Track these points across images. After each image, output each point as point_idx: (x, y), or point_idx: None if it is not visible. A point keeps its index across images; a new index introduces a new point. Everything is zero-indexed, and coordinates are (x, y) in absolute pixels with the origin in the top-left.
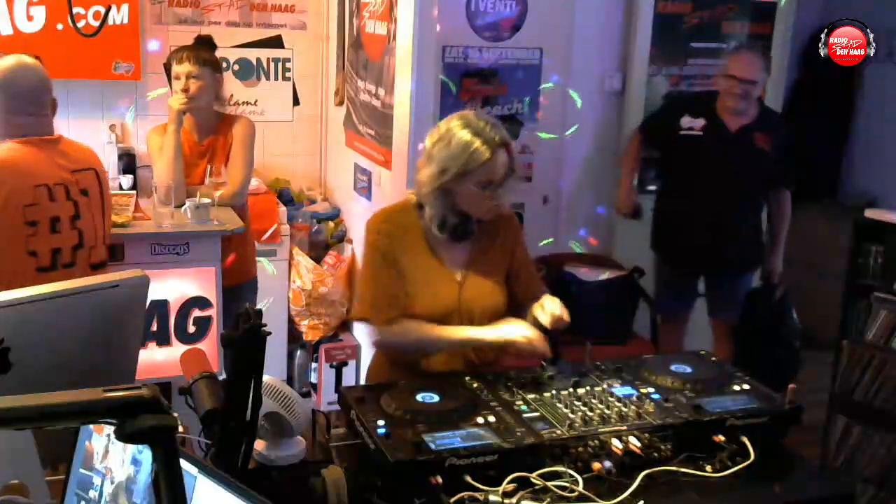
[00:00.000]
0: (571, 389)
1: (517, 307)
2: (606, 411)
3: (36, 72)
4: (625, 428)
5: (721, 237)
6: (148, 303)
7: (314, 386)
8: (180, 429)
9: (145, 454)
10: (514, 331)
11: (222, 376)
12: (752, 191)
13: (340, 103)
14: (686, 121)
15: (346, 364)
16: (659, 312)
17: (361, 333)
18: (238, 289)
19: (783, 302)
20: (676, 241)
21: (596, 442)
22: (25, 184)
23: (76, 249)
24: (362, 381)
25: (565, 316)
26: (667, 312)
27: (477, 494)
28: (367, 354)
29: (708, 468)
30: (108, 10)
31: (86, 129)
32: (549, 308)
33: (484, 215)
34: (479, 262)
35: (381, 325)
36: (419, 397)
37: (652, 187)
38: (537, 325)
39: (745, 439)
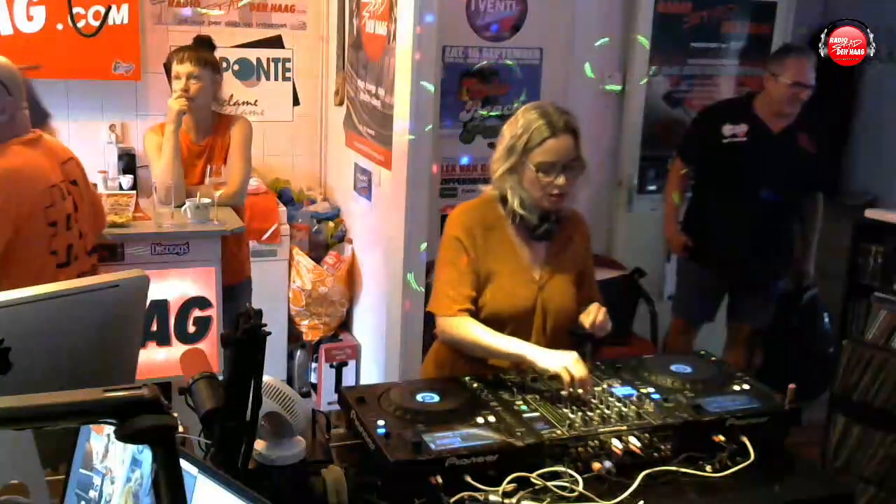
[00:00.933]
0: (572, 389)
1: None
2: (606, 411)
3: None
4: (625, 428)
5: (761, 241)
6: (148, 303)
7: (314, 386)
8: (180, 429)
9: (145, 454)
10: (562, 362)
11: (222, 376)
12: (794, 193)
13: (340, 103)
14: (728, 129)
15: (346, 364)
16: (679, 314)
17: (361, 333)
18: (232, 289)
19: (813, 306)
20: (713, 247)
21: (596, 442)
22: (43, 186)
23: (80, 240)
24: (369, 381)
25: (608, 325)
26: (690, 316)
27: (477, 494)
28: (367, 354)
29: (708, 468)
30: (108, 10)
31: (86, 129)
32: (594, 314)
33: (544, 202)
34: (556, 262)
35: (444, 318)
36: (419, 397)
37: (652, 186)
38: (581, 329)
39: (745, 439)
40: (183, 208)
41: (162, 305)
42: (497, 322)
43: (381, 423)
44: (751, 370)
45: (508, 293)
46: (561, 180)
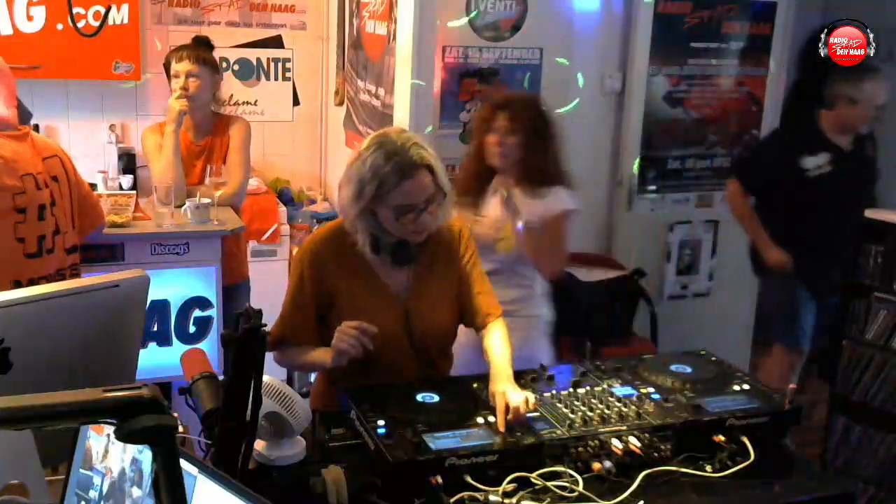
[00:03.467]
0: (571, 389)
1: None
2: (606, 411)
3: (4, 64)
4: (625, 428)
5: (845, 256)
6: (148, 303)
7: None
8: (180, 429)
9: (145, 454)
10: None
11: (222, 376)
12: (863, 203)
13: (340, 103)
14: (810, 161)
15: None
16: (782, 341)
17: None
18: (230, 289)
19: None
20: (803, 266)
21: (596, 442)
22: (14, 173)
23: (55, 235)
24: None
25: (522, 409)
26: (790, 341)
27: (477, 494)
28: None
29: (708, 468)
30: (108, 10)
31: (86, 129)
32: (514, 401)
33: (411, 238)
34: (423, 283)
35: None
36: (419, 397)
37: (652, 186)
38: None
39: (745, 439)
40: (183, 208)
41: (162, 305)
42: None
43: (381, 423)
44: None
45: (372, 321)
46: (424, 218)
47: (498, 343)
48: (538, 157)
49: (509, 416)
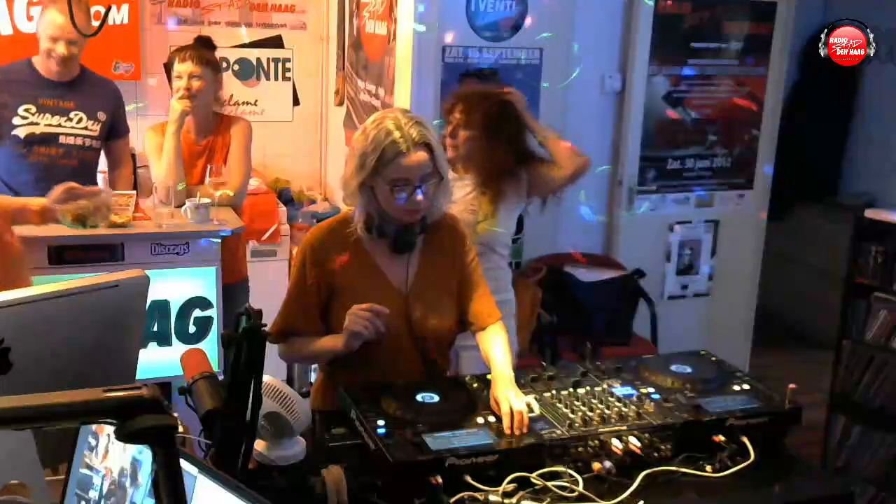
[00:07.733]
0: (571, 389)
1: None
2: (606, 411)
3: None
4: (625, 428)
5: None
6: (148, 303)
7: None
8: (180, 429)
9: (145, 454)
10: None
11: (222, 376)
12: None
13: (340, 103)
14: None
15: None
16: None
17: None
18: (230, 289)
19: None
20: None
21: (596, 442)
22: None
23: None
24: None
25: (526, 414)
26: None
27: (477, 494)
28: None
29: (708, 468)
30: (108, 10)
31: None
32: (517, 421)
33: (405, 217)
34: (425, 276)
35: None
36: (419, 397)
37: (652, 186)
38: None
39: (745, 439)
40: (183, 208)
41: (162, 305)
42: (368, 342)
43: (381, 423)
44: None
45: None
46: (418, 197)
47: (498, 347)
48: (487, 153)
49: (514, 422)
